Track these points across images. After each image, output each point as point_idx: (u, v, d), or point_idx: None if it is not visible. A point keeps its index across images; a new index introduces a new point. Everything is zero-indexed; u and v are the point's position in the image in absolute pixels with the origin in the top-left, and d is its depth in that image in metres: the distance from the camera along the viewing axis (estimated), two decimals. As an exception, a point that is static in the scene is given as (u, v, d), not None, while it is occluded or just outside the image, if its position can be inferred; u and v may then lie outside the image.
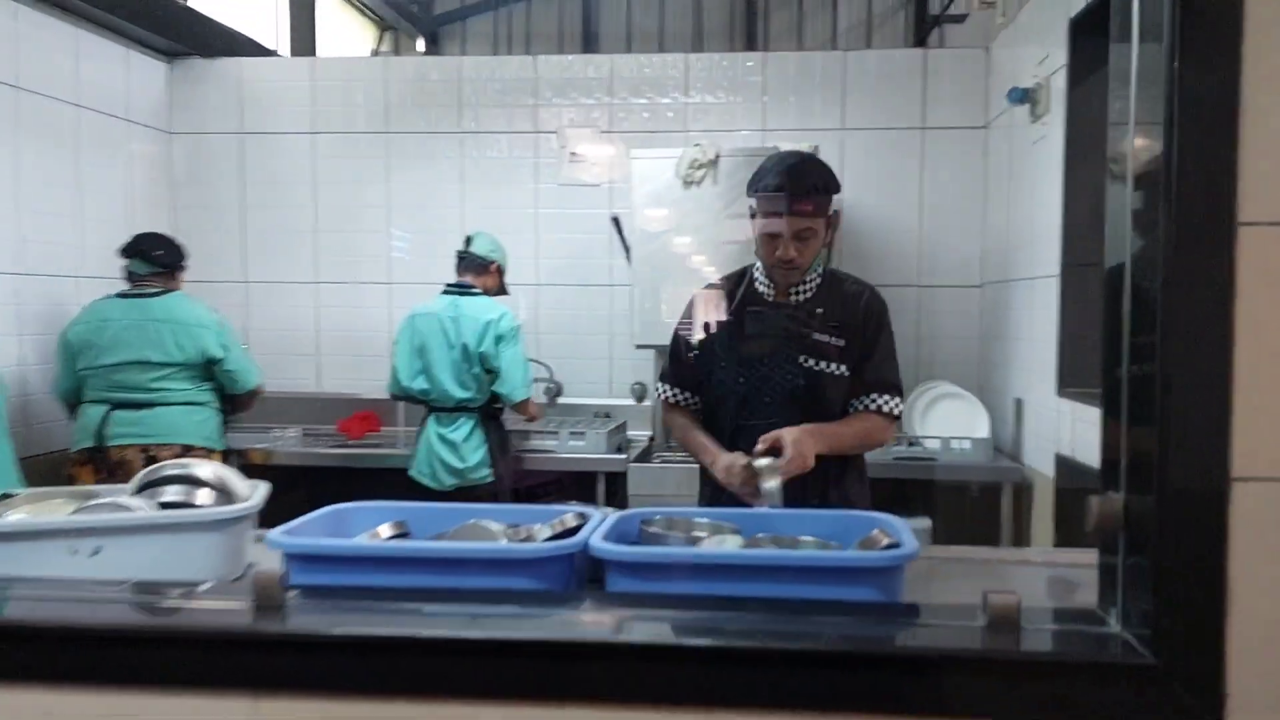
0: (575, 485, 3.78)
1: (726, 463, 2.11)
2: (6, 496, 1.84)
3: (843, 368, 2.17)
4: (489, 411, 3.56)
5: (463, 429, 3.50)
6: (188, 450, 3.33)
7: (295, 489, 4.14)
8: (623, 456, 3.68)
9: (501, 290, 3.73)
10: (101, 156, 4.07)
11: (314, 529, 1.72)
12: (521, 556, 1.48)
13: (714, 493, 2.25)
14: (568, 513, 1.78)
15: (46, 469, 3.56)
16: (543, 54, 5.38)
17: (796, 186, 2.10)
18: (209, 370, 3.46)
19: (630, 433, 4.09)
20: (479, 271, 3.62)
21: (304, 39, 5.73)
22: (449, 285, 3.63)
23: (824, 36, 7.20)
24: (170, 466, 1.92)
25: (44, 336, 3.70)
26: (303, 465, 3.87)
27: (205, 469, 1.92)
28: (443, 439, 3.50)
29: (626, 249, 3.71)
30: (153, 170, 4.41)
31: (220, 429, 3.53)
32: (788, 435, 2.03)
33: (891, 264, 4.13)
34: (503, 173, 4.40)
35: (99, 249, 3.95)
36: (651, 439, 4.10)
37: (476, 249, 3.63)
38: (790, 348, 2.19)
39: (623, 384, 4.33)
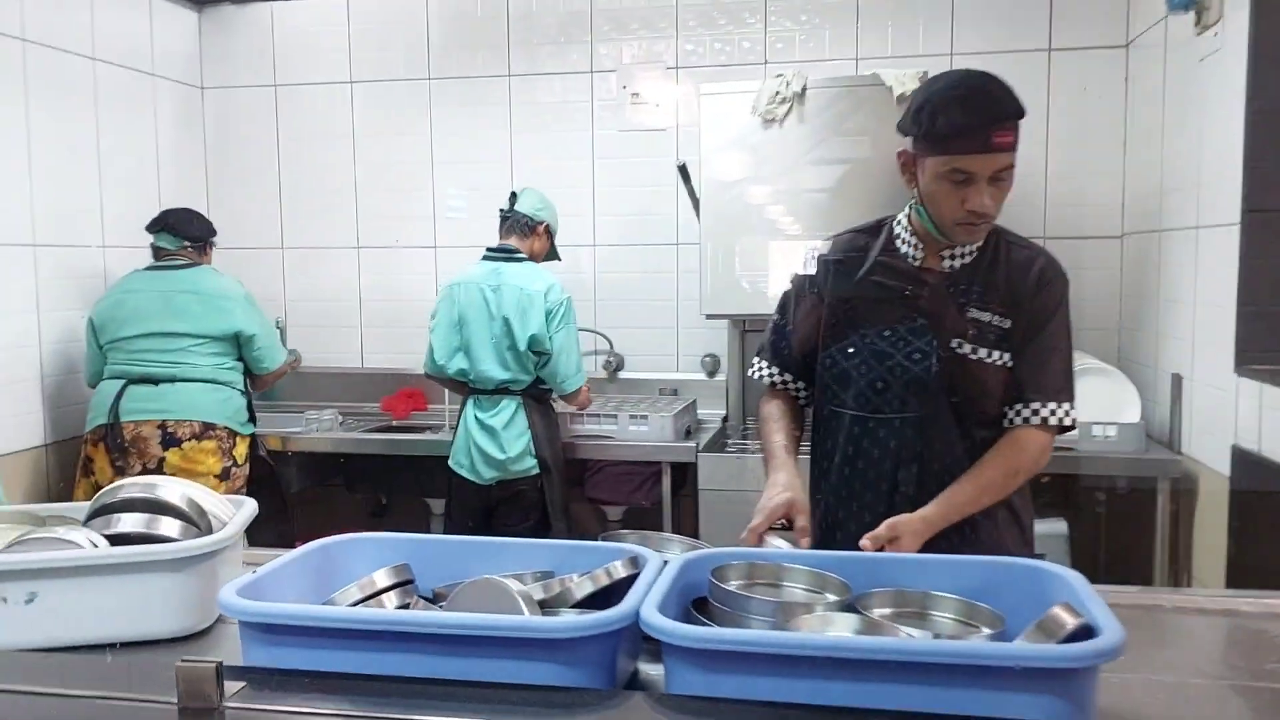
0: (634, 477, 3.30)
1: (762, 505, 1.67)
2: None
3: (1005, 356, 1.68)
4: (534, 394, 3.12)
5: (504, 413, 3.07)
6: (208, 428, 3.06)
7: (330, 481, 3.85)
8: (691, 444, 3.18)
9: (551, 255, 3.29)
10: (126, 115, 3.71)
11: (292, 575, 1.33)
12: (544, 635, 1.10)
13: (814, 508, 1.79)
14: (617, 559, 1.36)
15: (71, 454, 3.28)
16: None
17: (992, 113, 1.59)
18: (234, 347, 3.20)
19: (700, 412, 3.60)
20: (525, 233, 3.17)
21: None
22: (490, 250, 3.18)
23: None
24: (131, 487, 1.52)
25: (66, 312, 3.39)
26: (336, 452, 3.50)
27: (172, 489, 1.52)
28: (482, 425, 3.07)
29: (695, 201, 3.18)
30: (184, 129, 4.06)
31: (246, 411, 3.23)
32: (904, 529, 1.59)
33: (1012, 211, 3.49)
34: (556, 119, 3.90)
35: (126, 216, 3.63)
36: (725, 420, 3.59)
37: (522, 207, 3.17)
38: (939, 328, 1.70)
39: (692, 356, 3.83)
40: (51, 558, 1.35)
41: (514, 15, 3.91)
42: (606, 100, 3.85)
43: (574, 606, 1.31)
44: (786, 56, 3.63)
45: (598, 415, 3.28)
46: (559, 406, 3.21)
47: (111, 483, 2.99)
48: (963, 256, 1.73)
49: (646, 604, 1.11)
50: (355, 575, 1.38)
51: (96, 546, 1.41)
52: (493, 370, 3.05)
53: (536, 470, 3.06)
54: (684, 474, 3.22)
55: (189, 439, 3.04)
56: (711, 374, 3.77)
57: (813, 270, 1.85)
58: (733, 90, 3.07)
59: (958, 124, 1.60)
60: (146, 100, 3.84)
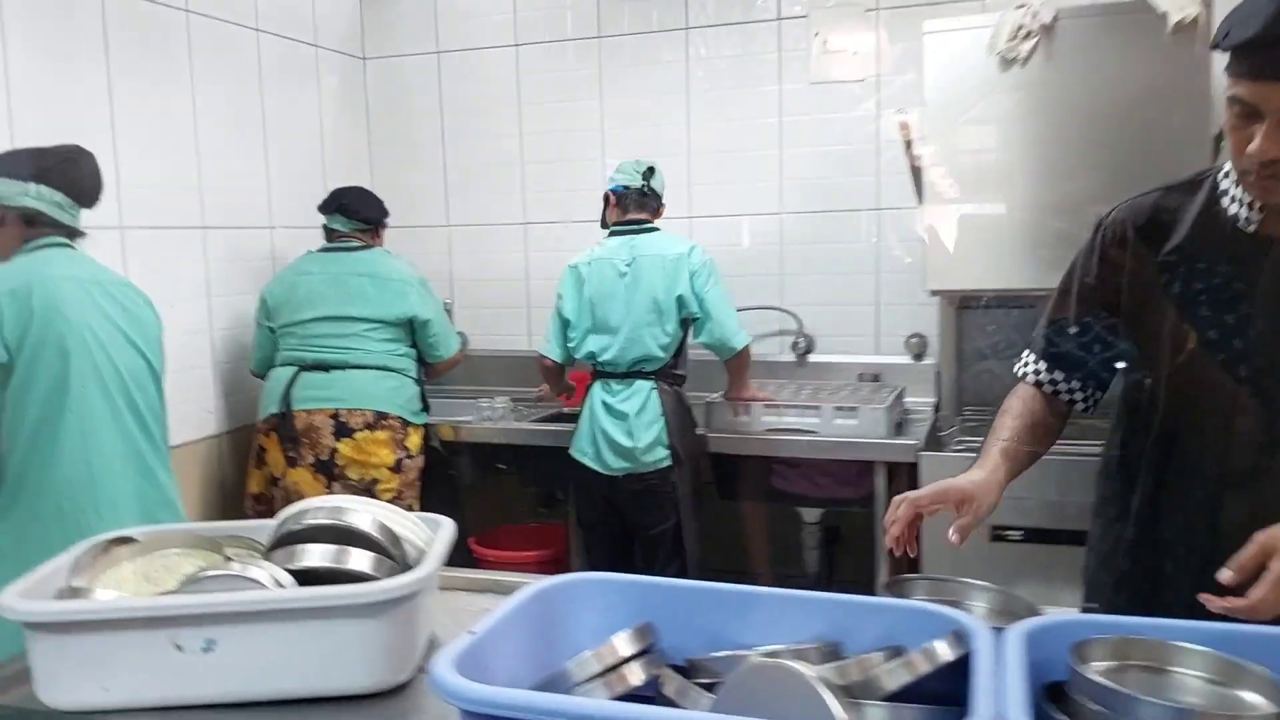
0: (827, 477, 2.93)
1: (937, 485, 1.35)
2: (125, 541, 1.27)
3: None
4: (669, 377, 2.85)
5: (636, 398, 2.80)
6: (381, 418, 2.89)
7: (504, 472, 3.62)
8: (910, 441, 2.77)
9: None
10: (290, 89, 3.56)
11: (511, 632, 1.06)
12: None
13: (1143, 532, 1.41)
14: (924, 626, 1.05)
15: (243, 443, 3.16)
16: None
17: None
18: (408, 333, 3.06)
19: (907, 400, 3.19)
20: (653, 211, 2.99)
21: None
22: (616, 225, 2.96)
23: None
24: (316, 512, 1.28)
25: (236, 297, 3.27)
26: (508, 443, 3.26)
27: (362, 515, 1.27)
28: (610, 410, 2.82)
29: (913, 159, 2.76)
30: (346, 102, 3.90)
31: (419, 400, 3.05)
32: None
33: None
34: (738, 75, 3.53)
35: (290, 196, 3.50)
36: (937, 410, 3.17)
37: (656, 184, 2.99)
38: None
39: (894, 336, 3.41)
40: (232, 600, 1.12)
41: (691, -39, 3.56)
42: (795, 51, 3.45)
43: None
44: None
45: (792, 406, 2.92)
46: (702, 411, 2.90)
47: (284, 474, 2.88)
48: None
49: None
50: (583, 628, 1.12)
51: (281, 585, 1.17)
52: (627, 349, 2.81)
53: (668, 462, 2.78)
54: (898, 476, 2.81)
55: (361, 429, 2.87)
56: (918, 356, 3.34)
57: (1108, 242, 1.43)
58: (963, 27, 2.62)
59: (1241, 36, 1.17)
60: (310, 73, 3.69)
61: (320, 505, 1.29)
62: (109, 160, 2.72)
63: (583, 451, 2.86)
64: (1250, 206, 1.30)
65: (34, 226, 1.85)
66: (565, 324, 2.95)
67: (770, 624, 1.12)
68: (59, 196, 1.87)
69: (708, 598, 1.15)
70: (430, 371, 3.16)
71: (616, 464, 2.80)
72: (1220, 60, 1.27)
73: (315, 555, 1.21)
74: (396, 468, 2.92)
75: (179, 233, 3.07)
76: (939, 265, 2.67)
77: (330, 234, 3.14)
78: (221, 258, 3.24)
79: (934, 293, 2.81)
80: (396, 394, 2.96)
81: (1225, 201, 1.33)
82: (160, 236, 2.98)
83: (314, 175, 3.64)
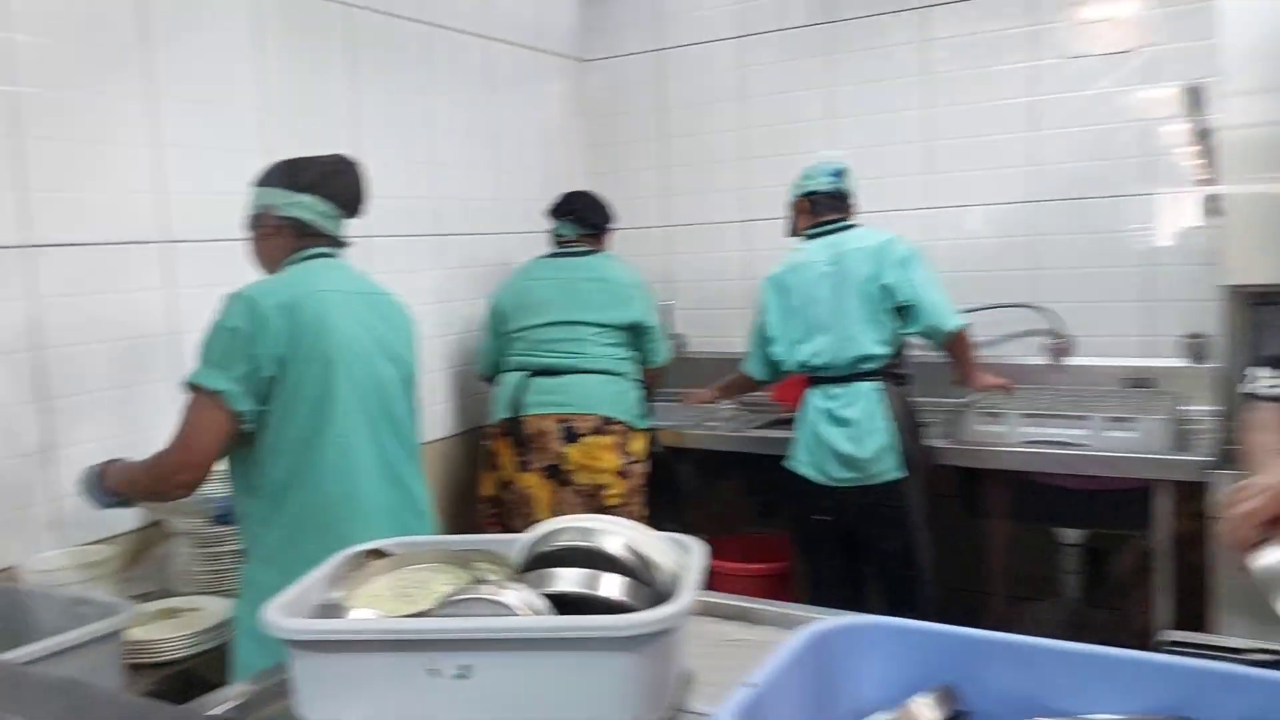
0: (1096, 497, 2.60)
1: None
2: (378, 554, 1.26)
3: None
4: (892, 376, 2.66)
5: (859, 402, 2.61)
6: (607, 423, 2.85)
7: (725, 479, 3.51)
8: (1199, 458, 2.41)
9: None
10: (513, 96, 3.61)
11: (791, 686, 0.94)
12: None
13: None
14: None
15: (473, 445, 3.23)
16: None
17: None
18: (631, 338, 3.02)
19: (1185, 408, 2.81)
20: (841, 207, 2.86)
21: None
22: (811, 228, 2.82)
23: None
24: (567, 533, 1.21)
25: (468, 303, 3.32)
26: (730, 450, 3.14)
27: (613, 538, 1.19)
28: (832, 416, 2.64)
29: (1204, 136, 2.41)
30: (566, 105, 3.92)
31: (641, 404, 3.00)
32: None
33: None
34: (981, 53, 3.25)
35: (515, 201, 3.55)
36: (1226, 420, 2.76)
37: (848, 184, 2.87)
38: None
39: (1165, 337, 3.02)
40: (490, 627, 1.06)
41: (927, -65, 3.31)
42: (1046, 24, 3.13)
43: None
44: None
45: (1057, 416, 2.62)
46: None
47: (515, 477, 2.81)
48: None
49: None
50: (869, 682, 1.00)
51: (536, 612, 1.09)
52: (844, 350, 2.64)
53: (898, 472, 2.56)
54: (1183, 498, 2.46)
55: (589, 433, 2.84)
56: (1199, 358, 2.94)
57: None
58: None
59: None
60: (532, 78, 3.73)
61: (571, 525, 1.21)
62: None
63: (802, 462, 2.70)
64: None
65: (303, 237, 1.87)
66: (767, 340, 2.84)
67: (1096, 688, 0.94)
68: (327, 206, 1.87)
69: (1019, 653, 0.97)
70: (648, 377, 3.10)
71: (841, 475, 2.62)
72: None
73: (567, 580, 1.14)
74: (622, 473, 2.87)
75: (418, 240, 3.17)
76: (1238, 256, 2.31)
77: (559, 239, 3.14)
78: (455, 264, 3.32)
79: (1235, 288, 2.44)
80: (621, 398, 2.92)
81: None
82: (401, 245, 3.07)
83: (535, 181, 3.67)
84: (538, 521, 2.84)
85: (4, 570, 1.99)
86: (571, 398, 2.86)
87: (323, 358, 1.75)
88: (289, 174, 1.87)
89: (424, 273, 3.20)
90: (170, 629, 1.95)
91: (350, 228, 1.98)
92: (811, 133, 3.57)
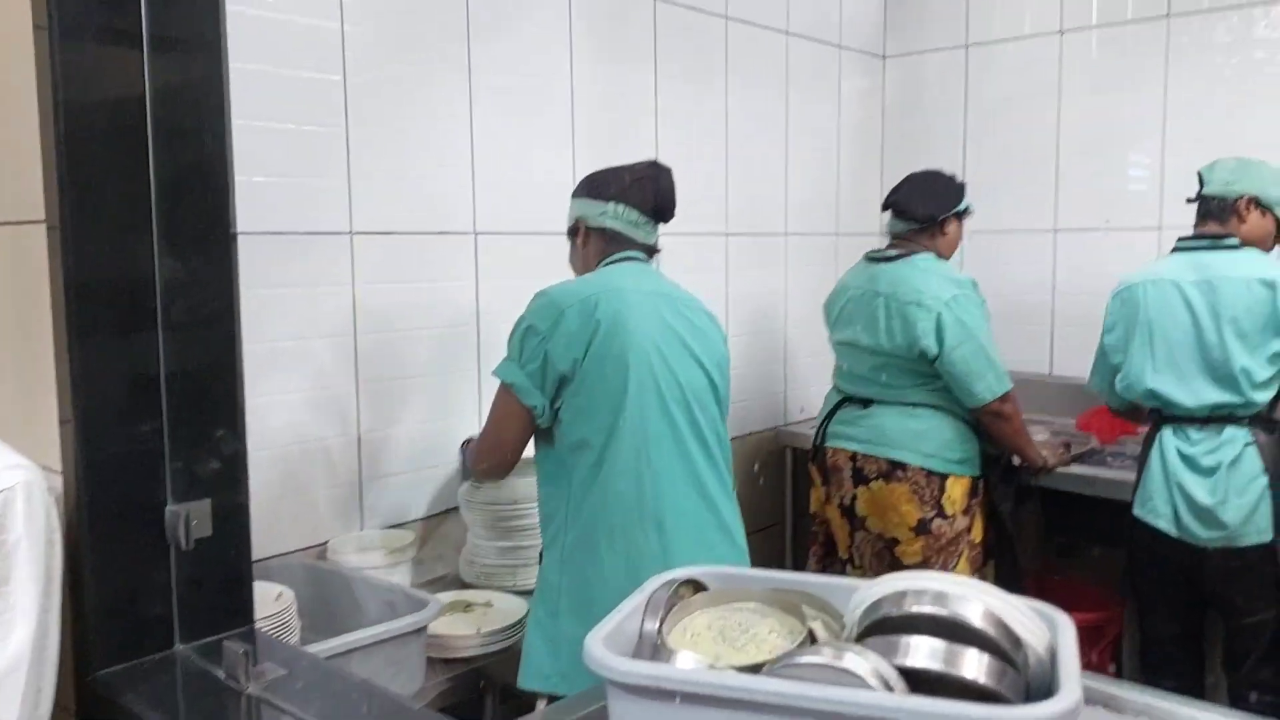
0: None
1: None
2: (695, 587, 1.19)
3: None
4: (1266, 422, 2.26)
5: (1226, 449, 2.24)
6: (896, 468, 2.51)
7: (1028, 514, 3.14)
8: None
9: (1278, 232, 2.39)
10: (811, 92, 3.49)
11: None
12: None
13: None
14: None
15: (764, 445, 3.21)
16: None
17: None
18: (933, 368, 2.50)
19: None
20: (1224, 216, 2.36)
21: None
22: (1182, 240, 2.41)
23: None
24: (918, 596, 1.05)
25: (753, 300, 3.29)
26: (1039, 486, 2.81)
27: (972, 603, 1.03)
28: (1191, 463, 2.27)
29: None
30: (863, 102, 3.74)
31: (962, 445, 2.54)
32: None
33: None
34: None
35: (805, 200, 3.46)
36: None
37: (1211, 188, 2.39)
38: None
39: None
40: (853, 700, 0.92)
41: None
42: None
43: None
44: None
45: None
46: None
47: (820, 509, 2.61)
48: None
49: None
50: None
51: (889, 686, 0.96)
52: (1205, 391, 2.27)
53: (1273, 534, 2.18)
54: None
55: (876, 478, 2.55)
56: None
57: None
58: None
59: None
60: (830, 74, 3.58)
61: (921, 586, 1.06)
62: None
63: (1155, 512, 2.34)
64: None
65: (613, 243, 1.89)
66: (1113, 362, 2.48)
67: None
68: (635, 215, 1.89)
69: None
70: (975, 415, 2.54)
71: (1205, 534, 2.26)
72: None
73: (923, 653, 0.99)
74: (921, 528, 2.50)
75: (706, 239, 3.11)
76: None
77: (892, 235, 2.67)
78: (740, 263, 3.23)
79: None
80: (923, 439, 2.50)
81: None
82: (689, 244, 3.00)
83: (828, 179, 3.53)
84: (839, 559, 2.63)
85: (320, 545, 2.12)
86: (865, 433, 2.58)
87: (619, 357, 1.74)
88: (597, 185, 1.91)
89: (709, 272, 3.14)
90: (465, 625, 1.98)
91: (661, 231, 1.95)
92: (1140, 135, 3.21)
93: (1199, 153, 2.99)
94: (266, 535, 1.97)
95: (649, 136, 2.87)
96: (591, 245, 1.90)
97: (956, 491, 2.52)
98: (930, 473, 2.50)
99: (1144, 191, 3.23)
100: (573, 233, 1.95)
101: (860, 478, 2.58)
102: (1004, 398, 2.48)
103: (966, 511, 2.54)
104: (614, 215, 1.88)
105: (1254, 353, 2.24)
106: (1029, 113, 3.44)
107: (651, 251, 1.92)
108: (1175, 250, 2.43)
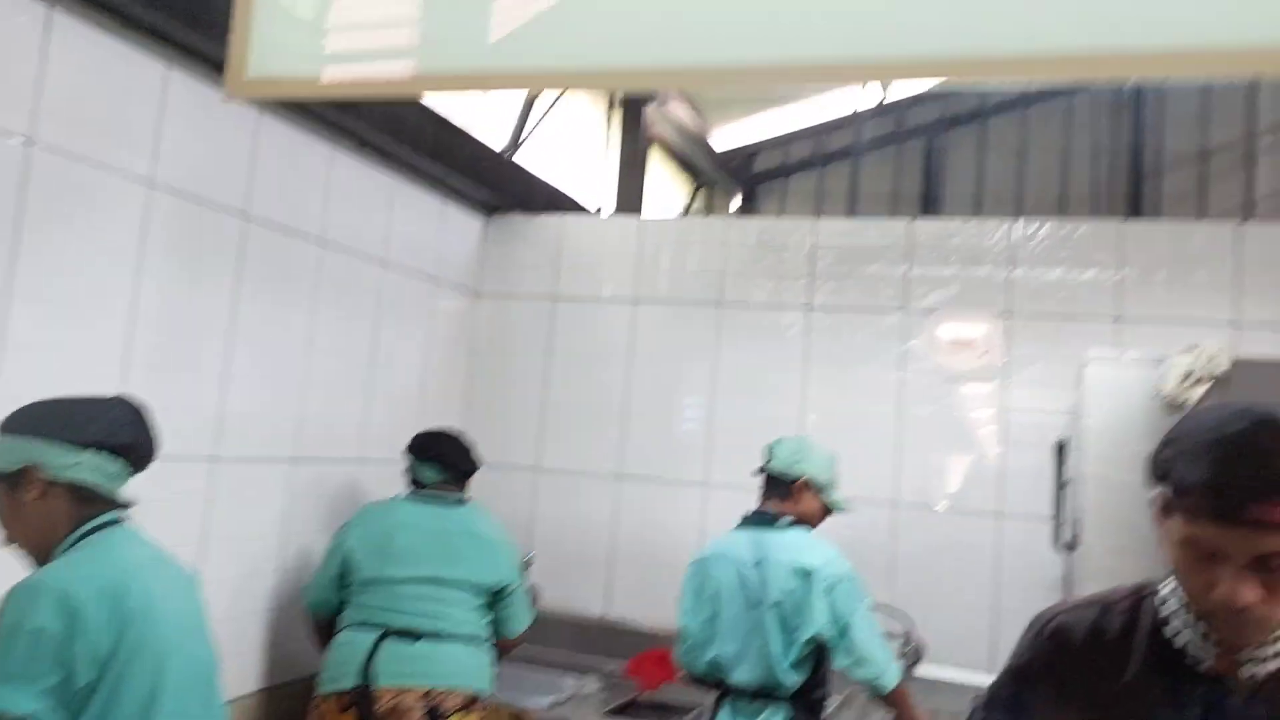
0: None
1: None
2: None
3: None
4: (806, 703, 2.47)
5: None
6: (472, 700, 2.59)
7: None
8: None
9: (824, 513, 2.65)
10: (402, 320, 3.53)
11: None
12: None
13: None
14: None
15: (289, 707, 2.85)
16: (880, 215, 4.47)
17: (1255, 476, 1.09)
18: (491, 600, 2.78)
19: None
20: (784, 494, 2.58)
21: (630, 197, 5.22)
22: (746, 517, 2.63)
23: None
24: None
25: (310, 537, 3.04)
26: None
27: None
28: None
29: (1061, 486, 2.58)
30: (453, 336, 3.87)
31: (493, 672, 2.75)
32: None
33: None
34: (860, 358, 3.46)
35: (384, 429, 3.38)
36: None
37: (776, 464, 2.59)
38: None
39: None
40: None
41: (821, 245, 3.57)
42: (921, 343, 3.38)
43: None
44: (1172, 316, 3.07)
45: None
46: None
47: None
48: (1270, 658, 1.15)
49: None
50: None
51: None
52: (752, 671, 2.46)
53: None
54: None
55: (455, 712, 2.52)
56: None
57: (1048, 659, 1.29)
58: (1129, 361, 2.51)
59: (1201, 480, 1.10)
60: (424, 305, 3.68)
61: None
62: (213, 387, 2.64)
63: None
64: (1205, 637, 1.16)
65: (88, 504, 1.55)
66: (688, 625, 2.63)
67: None
68: (113, 465, 1.57)
69: None
70: (503, 646, 2.85)
71: None
72: None
73: None
74: None
75: (267, 466, 2.91)
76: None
77: (416, 482, 2.92)
78: (303, 493, 3.05)
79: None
80: (485, 670, 2.67)
81: (1169, 632, 1.20)
82: (248, 470, 2.81)
83: (410, 409, 3.55)
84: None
85: None
86: (437, 667, 2.56)
87: (153, 651, 1.48)
88: (69, 425, 1.53)
89: (269, 500, 2.92)
90: None
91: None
92: (694, 403, 3.66)
93: (739, 420, 3.53)
94: None
95: (220, 358, 2.68)
96: (54, 503, 1.53)
97: None
98: (490, 703, 2.64)
99: (695, 448, 3.66)
100: (13, 482, 1.53)
101: (436, 715, 2.53)
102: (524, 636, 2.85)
103: None
104: (90, 467, 1.53)
105: (789, 635, 2.43)
106: (604, 366, 3.79)
107: (125, 507, 1.62)
108: (740, 526, 2.64)
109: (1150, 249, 3.22)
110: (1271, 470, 1.08)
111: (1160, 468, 1.18)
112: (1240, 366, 2.37)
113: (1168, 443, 1.19)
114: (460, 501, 2.89)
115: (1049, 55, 1.30)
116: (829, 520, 2.66)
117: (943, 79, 1.26)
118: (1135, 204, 5.88)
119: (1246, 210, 5.67)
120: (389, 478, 3.12)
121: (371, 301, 3.36)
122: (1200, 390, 2.35)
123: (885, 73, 1.33)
